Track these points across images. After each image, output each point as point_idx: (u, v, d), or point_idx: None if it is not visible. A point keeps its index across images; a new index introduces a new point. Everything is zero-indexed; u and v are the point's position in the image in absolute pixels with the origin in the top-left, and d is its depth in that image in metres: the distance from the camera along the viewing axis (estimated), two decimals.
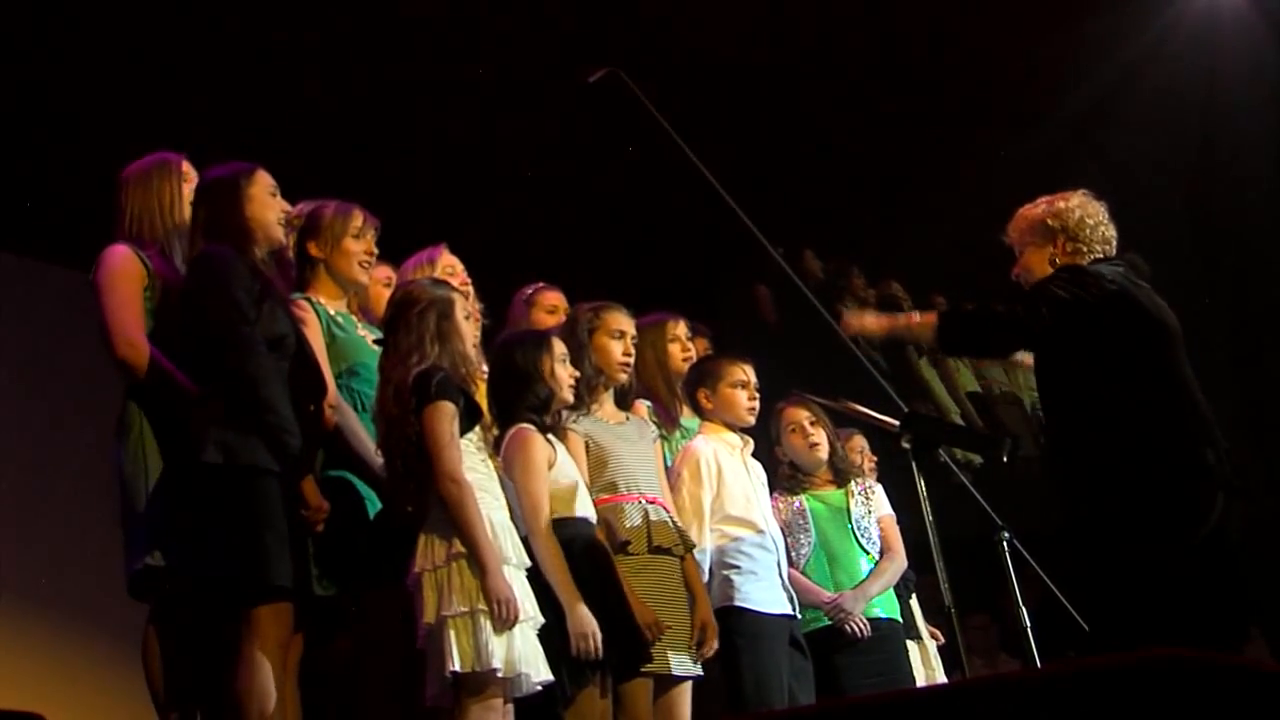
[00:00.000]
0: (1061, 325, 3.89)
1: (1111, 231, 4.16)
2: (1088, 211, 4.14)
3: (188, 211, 3.98)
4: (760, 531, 4.55)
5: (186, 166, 4.06)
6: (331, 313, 4.10)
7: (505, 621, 3.43)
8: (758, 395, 4.73)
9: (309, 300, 4.06)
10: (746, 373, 4.73)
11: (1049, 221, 4.14)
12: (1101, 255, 4.11)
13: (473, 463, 3.64)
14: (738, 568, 4.48)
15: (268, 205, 3.86)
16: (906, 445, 4.16)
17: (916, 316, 4.26)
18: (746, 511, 4.56)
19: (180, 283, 3.89)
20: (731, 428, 4.71)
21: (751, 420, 4.72)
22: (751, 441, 4.75)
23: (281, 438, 3.54)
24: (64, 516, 6.35)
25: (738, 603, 4.43)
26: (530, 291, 4.99)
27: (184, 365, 3.77)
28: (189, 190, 4.01)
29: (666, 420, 4.78)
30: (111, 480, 3.86)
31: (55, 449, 6.52)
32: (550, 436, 4.01)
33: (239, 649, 3.47)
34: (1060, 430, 4.03)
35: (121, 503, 3.79)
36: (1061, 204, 4.16)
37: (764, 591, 4.49)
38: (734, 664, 4.35)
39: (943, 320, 4.10)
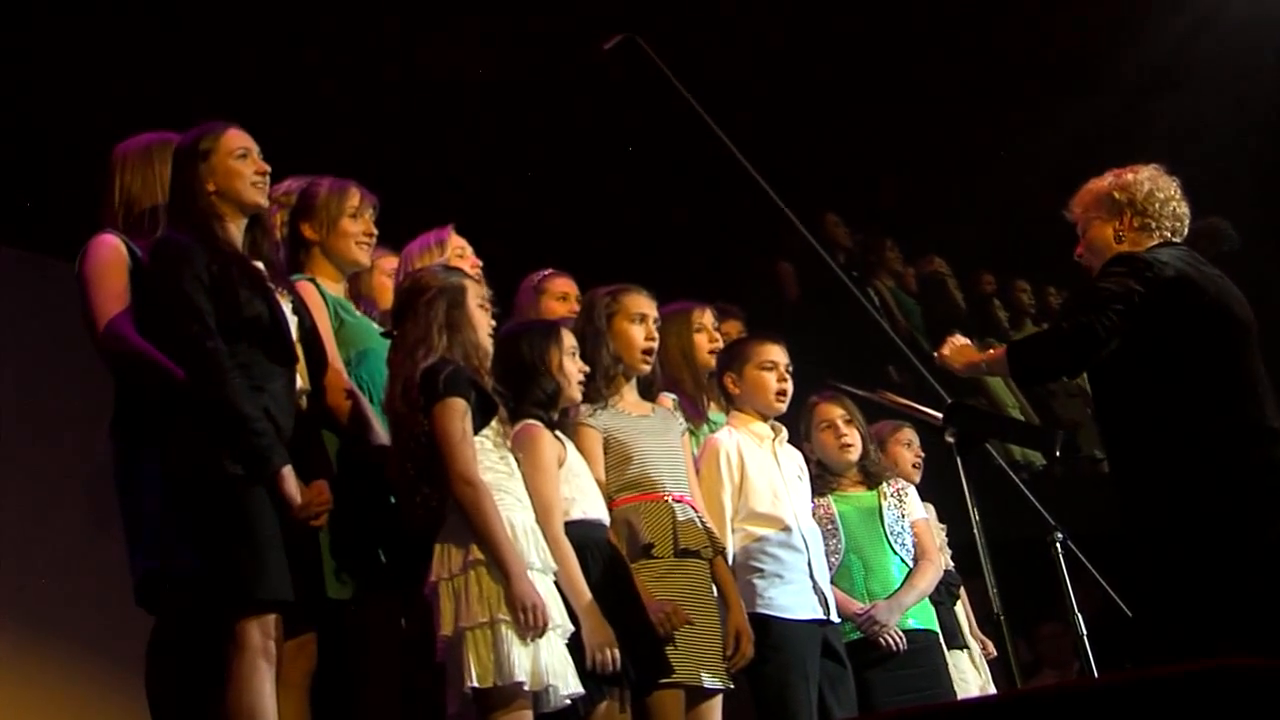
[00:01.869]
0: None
1: (1184, 209, 4.14)
2: (1158, 185, 4.11)
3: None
4: (787, 529, 4.53)
5: None
6: (336, 297, 4.11)
7: (534, 629, 3.45)
8: (789, 378, 4.70)
9: (314, 282, 4.06)
10: (777, 354, 4.71)
11: (1115, 194, 4.12)
12: (1170, 234, 4.09)
13: (490, 461, 3.65)
14: (761, 571, 4.47)
15: (233, 172, 3.76)
16: (951, 439, 4.14)
17: (993, 351, 4.28)
18: (773, 508, 4.55)
19: None
20: (762, 416, 4.69)
21: (781, 407, 4.71)
22: (784, 430, 4.74)
23: (248, 439, 3.52)
24: (65, 524, 6.34)
25: (761, 609, 4.41)
26: (539, 278, 4.98)
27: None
28: None
29: (693, 414, 4.77)
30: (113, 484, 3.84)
31: (55, 453, 6.51)
32: (559, 433, 4.02)
33: (228, 665, 3.48)
34: (1115, 429, 4.00)
35: (121, 506, 3.79)
36: (1130, 176, 4.13)
37: (791, 596, 4.48)
38: (757, 674, 4.35)
39: (1011, 352, 4.10)
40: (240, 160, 3.79)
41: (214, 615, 3.52)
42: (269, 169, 3.89)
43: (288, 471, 3.54)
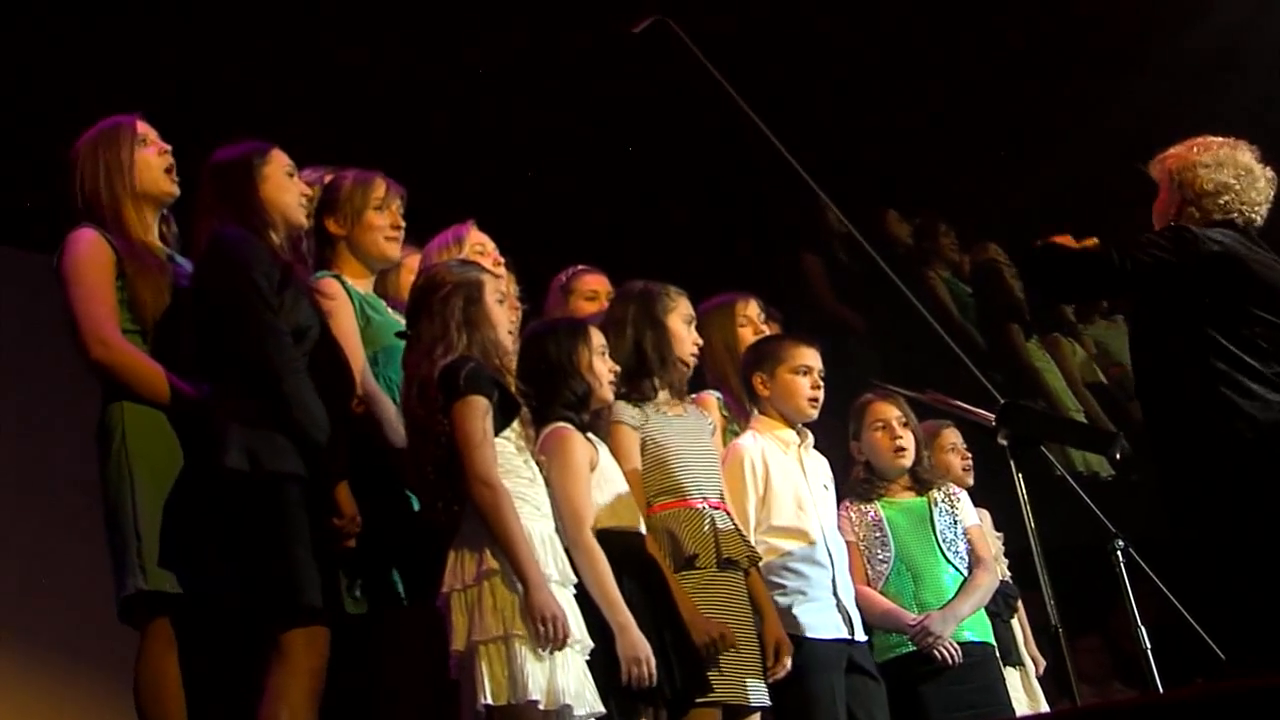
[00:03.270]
0: (1156, 291, 3.81)
1: (1254, 196, 4.06)
2: (1220, 175, 4.04)
3: (149, 178, 3.97)
4: (812, 543, 4.50)
5: (143, 127, 4.03)
6: (362, 294, 4.11)
7: (554, 641, 3.43)
8: (822, 385, 4.67)
9: (339, 279, 4.07)
10: (812, 357, 4.67)
11: (1175, 173, 4.10)
12: (1231, 218, 4.03)
13: (512, 465, 3.64)
14: (784, 587, 4.44)
15: (284, 187, 3.90)
16: (1004, 441, 4.11)
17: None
18: (797, 520, 4.52)
19: (152, 264, 3.89)
20: (789, 422, 4.66)
21: (813, 413, 4.67)
22: (810, 435, 4.71)
23: (313, 436, 3.56)
24: (42, 535, 6.37)
25: (784, 628, 4.34)
26: (567, 275, 4.98)
27: (182, 360, 3.80)
28: (150, 154, 4.00)
29: (739, 413, 4.78)
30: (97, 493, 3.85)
31: (30, 457, 6.53)
32: (590, 435, 4.00)
33: (267, 678, 3.49)
34: (1157, 416, 3.95)
35: (106, 518, 3.80)
36: (1199, 157, 4.08)
37: (814, 614, 4.45)
38: (781, 695, 4.28)
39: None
40: (289, 178, 3.92)
41: (254, 624, 3.55)
42: (311, 193, 4.02)
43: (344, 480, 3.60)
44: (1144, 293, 3.89)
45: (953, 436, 5.52)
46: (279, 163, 3.91)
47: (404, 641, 3.77)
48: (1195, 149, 4.11)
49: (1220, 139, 4.12)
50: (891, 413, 5.05)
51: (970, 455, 5.52)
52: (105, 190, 3.94)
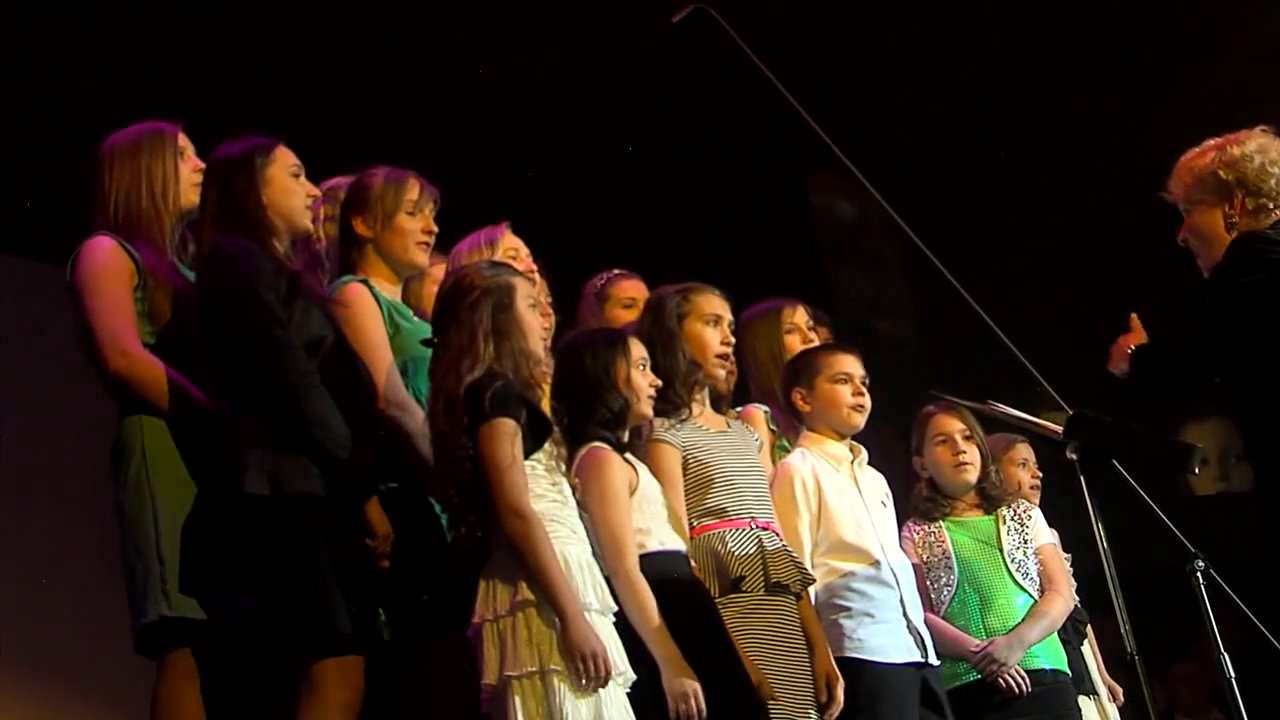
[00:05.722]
0: (1259, 314, 3.73)
1: None
2: (1270, 157, 3.97)
3: (185, 193, 4.00)
4: (875, 563, 4.45)
5: (183, 139, 4.07)
6: (390, 300, 4.09)
7: (596, 679, 3.38)
8: (866, 392, 4.62)
9: (366, 284, 4.04)
10: (850, 364, 4.63)
11: (1221, 174, 3.99)
12: None
13: (541, 488, 3.60)
14: (848, 609, 4.38)
15: (289, 190, 3.86)
16: (1073, 456, 4.06)
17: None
18: (858, 538, 4.47)
19: (174, 279, 3.91)
20: (838, 435, 4.62)
21: (859, 423, 4.63)
22: (864, 451, 4.67)
23: (335, 454, 3.55)
24: (51, 562, 6.39)
25: (851, 653, 4.32)
26: (602, 282, 4.94)
27: (197, 376, 3.80)
28: (187, 169, 4.03)
29: (787, 428, 4.75)
30: (113, 517, 3.86)
31: (39, 479, 6.55)
32: (629, 456, 3.96)
33: (297, 713, 3.49)
34: (1256, 435, 3.86)
35: (123, 542, 3.80)
36: (1235, 150, 3.99)
37: (883, 636, 4.39)
38: None
39: (1134, 359, 4.03)
40: (294, 179, 3.89)
41: (283, 655, 3.54)
42: (319, 194, 4.00)
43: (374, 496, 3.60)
44: (1244, 322, 3.79)
45: (1024, 451, 5.47)
46: (283, 163, 3.88)
47: (436, 673, 3.72)
48: (1233, 146, 4.01)
49: (1236, 133, 4.04)
50: (954, 426, 5.01)
51: (1040, 474, 5.47)
52: (146, 200, 3.97)
